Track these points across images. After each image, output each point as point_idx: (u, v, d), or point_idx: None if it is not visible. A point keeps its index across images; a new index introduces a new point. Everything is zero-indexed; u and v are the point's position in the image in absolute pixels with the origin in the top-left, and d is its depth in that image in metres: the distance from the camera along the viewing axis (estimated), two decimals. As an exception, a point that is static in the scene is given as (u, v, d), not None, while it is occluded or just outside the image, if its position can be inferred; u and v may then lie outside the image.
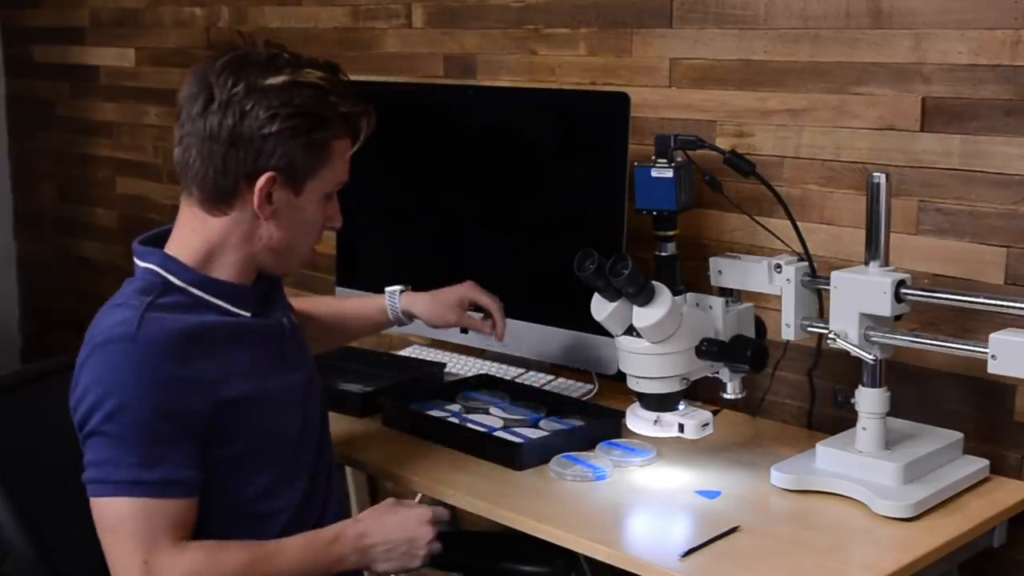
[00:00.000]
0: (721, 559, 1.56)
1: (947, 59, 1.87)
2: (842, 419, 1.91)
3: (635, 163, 1.88)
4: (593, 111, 2.17)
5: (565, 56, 2.39)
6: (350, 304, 2.11)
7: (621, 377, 1.89)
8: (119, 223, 3.68)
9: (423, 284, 2.07)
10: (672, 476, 1.84)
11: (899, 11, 1.91)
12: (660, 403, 1.84)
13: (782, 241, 1.95)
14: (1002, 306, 1.69)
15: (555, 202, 2.23)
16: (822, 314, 1.86)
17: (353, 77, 1.67)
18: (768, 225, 1.98)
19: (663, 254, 1.87)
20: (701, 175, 1.92)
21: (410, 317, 2.04)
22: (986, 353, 1.64)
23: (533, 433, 1.96)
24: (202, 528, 1.57)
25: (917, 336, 1.77)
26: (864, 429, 1.78)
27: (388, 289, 2.05)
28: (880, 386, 1.77)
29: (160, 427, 1.51)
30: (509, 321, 2.07)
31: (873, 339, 1.75)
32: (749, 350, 1.83)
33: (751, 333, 1.89)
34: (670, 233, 1.87)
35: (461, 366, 2.36)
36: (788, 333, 1.85)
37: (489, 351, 2.34)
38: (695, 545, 1.58)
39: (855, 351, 1.75)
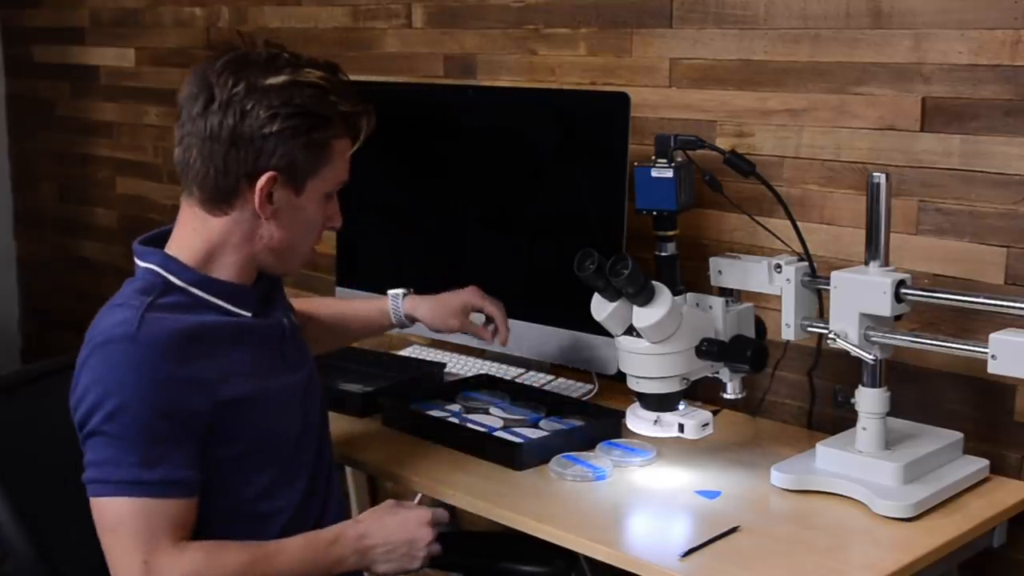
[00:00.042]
0: (721, 559, 1.56)
1: (947, 59, 1.87)
2: (842, 419, 1.91)
3: (635, 163, 1.88)
4: (593, 111, 2.17)
5: (565, 56, 2.39)
6: (352, 306, 2.11)
7: (621, 377, 1.89)
8: (119, 223, 3.68)
9: (423, 284, 2.07)
10: (672, 476, 1.84)
11: (899, 11, 1.91)
12: (660, 403, 1.84)
13: (782, 241, 1.95)
14: (1002, 306, 1.69)
15: (555, 202, 2.23)
16: (822, 314, 1.86)
17: (353, 77, 1.67)
18: (768, 225, 1.98)
19: (663, 254, 1.87)
20: (701, 175, 1.92)
21: (412, 321, 2.05)
22: (986, 353, 1.64)
23: (533, 433, 1.96)
24: (202, 528, 1.57)
25: (917, 336, 1.77)
26: (864, 429, 1.78)
27: (391, 292, 2.05)
28: (880, 386, 1.77)
29: (160, 427, 1.51)
30: (510, 321, 2.07)
31: (873, 339, 1.75)
32: (749, 350, 1.83)
33: (751, 333, 1.89)
34: (670, 233, 1.87)
35: (461, 366, 2.36)
36: (788, 333, 1.85)
37: (489, 351, 2.34)
38: (695, 545, 1.58)
39: (855, 351, 1.75)
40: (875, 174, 1.76)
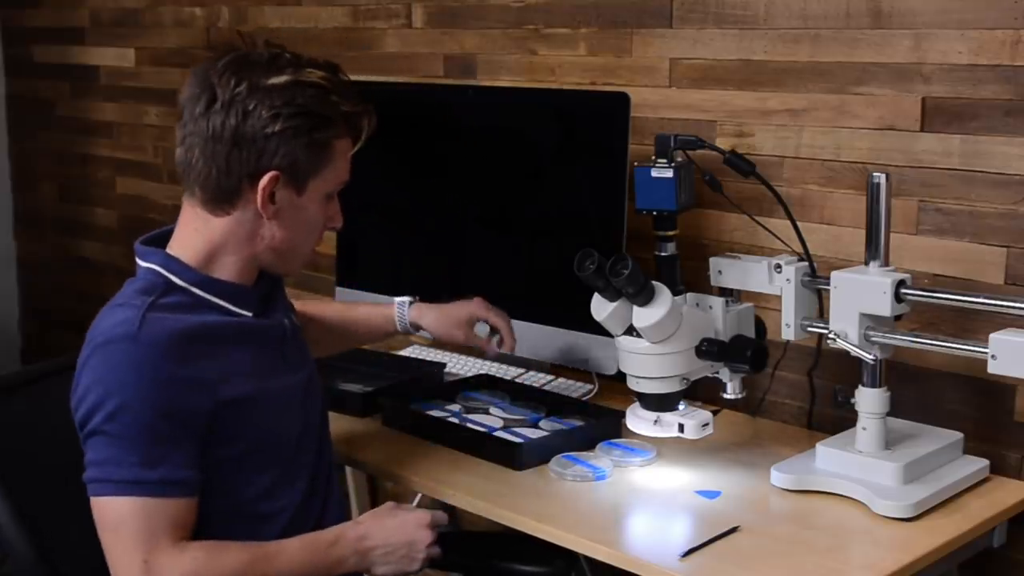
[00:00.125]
0: (721, 559, 1.56)
1: (947, 59, 1.87)
2: (842, 419, 1.91)
3: (635, 163, 1.88)
4: (593, 111, 2.17)
5: (565, 56, 2.39)
6: (358, 310, 2.11)
7: (621, 377, 1.89)
8: (119, 223, 3.68)
9: (423, 284, 2.08)
10: (672, 476, 1.84)
11: (899, 11, 1.91)
12: (660, 403, 1.84)
13: (782, 241, 1.95)
14: (1002, 306, 1.69)
15: (555, 202, 2.23)
16: (822, 314, 1.86)
17: (353, 77, 1.67)
18: (768, 225, 1.98)
19: (663, 254, 1.87)
20: (701, 175, 1.92)
21: (417, 329, 2.05)
22: (986, 353, 1.64)
23: (533, 433, 1.96)
24: (203, 528, 1.57)
25: (917, 336, 1.77)
26: (864, 429, 1.78)
27: (397, 300, 2.05)
28: (880, 386, 1.77)
29: (161, 427, 1.51)
30: (506, 313, 2.07)
31: (873, 339, 1.75)
32: (749, 350, 1.83)
33: (751, 333, 1.89)
34: (670, 233, 1.87)
35: (461, 366, 2.36)
36: (788, 333, 1.85)
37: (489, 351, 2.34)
38: (695, 545, 1.58)
39: (855, 351, 1.75)
40: (875, 174, 1.76)
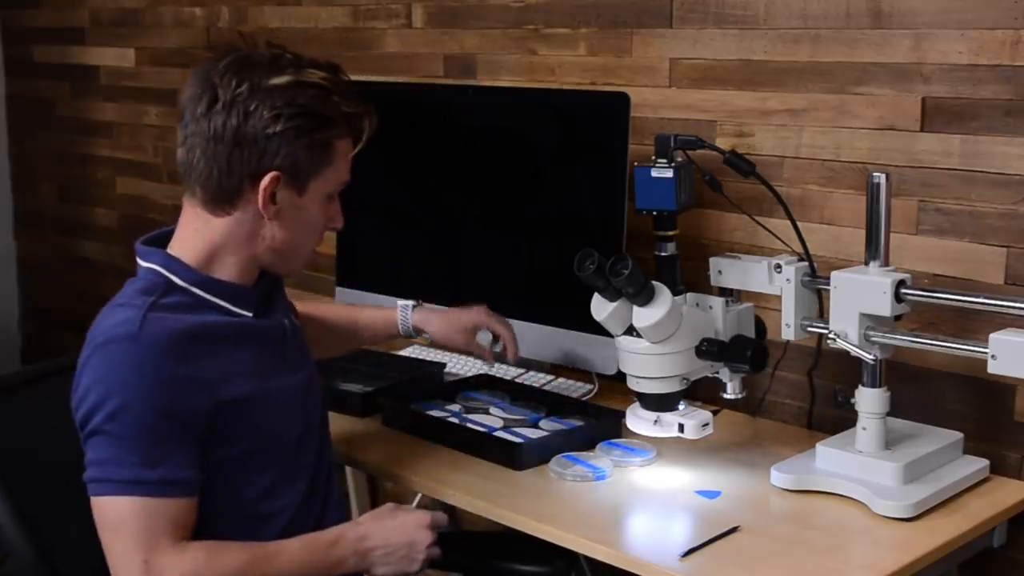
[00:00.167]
0: (721, 559, 1.56)
1: (947, 59, 1.87)
2: (842, 419, 1.91)
3: (635, 163, 1.88)
4: (593, 111, 2.17)
5: (565, 56, 2.39)
6: (362, 313, 2.11)
7: (621, 377, 1.89)
8: (119, 223, 3.68)
9: (423, 284, 2.08)
10: (672, 476, 1.84)
11: (899, 11, 1.91)
12: (660, 403, 1.84)
13: (782, 241, 1.95)
14: (1002, 306, 1.69)
15: (555, 202, 2.23)
16: (822, 314, 1.86)
17: (353, 77, 1.67)
18: (768, 225, 1.98)
19: (663, 254, 1.87)
20: (701, 175, 1.92)
21: (420, 333, 2.06)
22: (986, 353, 1.64)
23: (533, 433, 1.96)
24: (203, 528, 1.57)
25: (917, 336, 1.77)
26: (864, 429, 1.78)
27: (401, 303, 2.05)
28: (880, 386, 1.77)
29: (162, 427, 1.51)
30: (510, 321, 2.07)
31: (873, 339, 1.75)
32: (749, 350, 1.83)
33: (751, 333, 1.89)
34: (670, 233, 1.87)
35: (461, 366, 2.36)
36: (788, 333, 1.85)
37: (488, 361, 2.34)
38: (695, 545, 1.58)
39: (855, 351, 1.75)
40: (875, 174, 1.76)
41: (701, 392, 2.01)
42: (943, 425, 1.89)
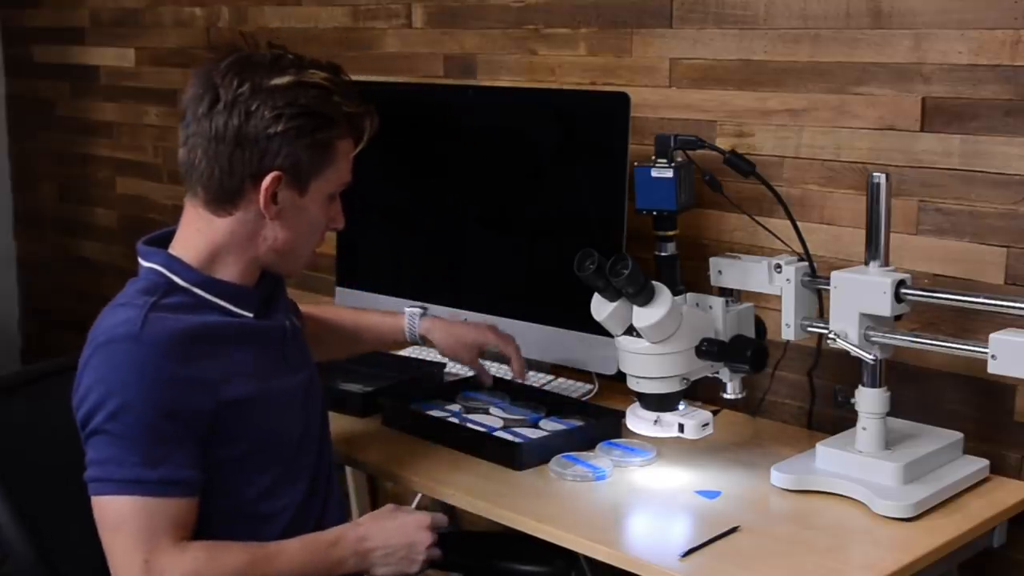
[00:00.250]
0: (721, 559, 1.56)
1: (947, 59, 1.87)
2: (842, 419, 1.91)
3: (635, 163, 1.88)
4: (593, 111, 2.17)
5: (565, 56, 2.39)
6: (368, 318, 2.10)
7: (621, 377, 1.89)
8: (119, 223, 3.68)
9: (423, 284, 2.07)
10: (672, 476, 1.84)
11: (899, 11, 1.91)
12: (660, 403, 1.84)
13: (782, 241, 1.95)
14: (1002, 306, 1.69)
15: (555, 202, 2.23)
16: (822, 314, 1.86)
17: (353, 77, 1.67)
18: (768, 225, 1.98)
19: (663, 254, 1.87)
20: (701, 175, 1.92)
21: (424, 341, 2.06)
22: (986, 353, 1.64)
23: (533, 433, 1.96)
24: (203, 528, 1.57)
25: (917, 336, 1.77)
26: (864, 429, 1.78)
27: (408, 310, 2.05)
28: (880, 386, 1.77)
29: (163, 427, 1.51)
30: (510, 321, 2.07)
31: (873, 339, 1.75)
32: (749, 350, 1.83)
33: (751, 333, 1.89)
34: (670, 233, 1.87)
35: (461, 366, 2.36)
36: (788, 333, 1.85)
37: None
38: (695, 545, 1.58)
39: (855, 351, 1.75)
40: (875, 174, 1.76)
41: (701, 392, 2.01)
42: (943, 425, 1.89)
